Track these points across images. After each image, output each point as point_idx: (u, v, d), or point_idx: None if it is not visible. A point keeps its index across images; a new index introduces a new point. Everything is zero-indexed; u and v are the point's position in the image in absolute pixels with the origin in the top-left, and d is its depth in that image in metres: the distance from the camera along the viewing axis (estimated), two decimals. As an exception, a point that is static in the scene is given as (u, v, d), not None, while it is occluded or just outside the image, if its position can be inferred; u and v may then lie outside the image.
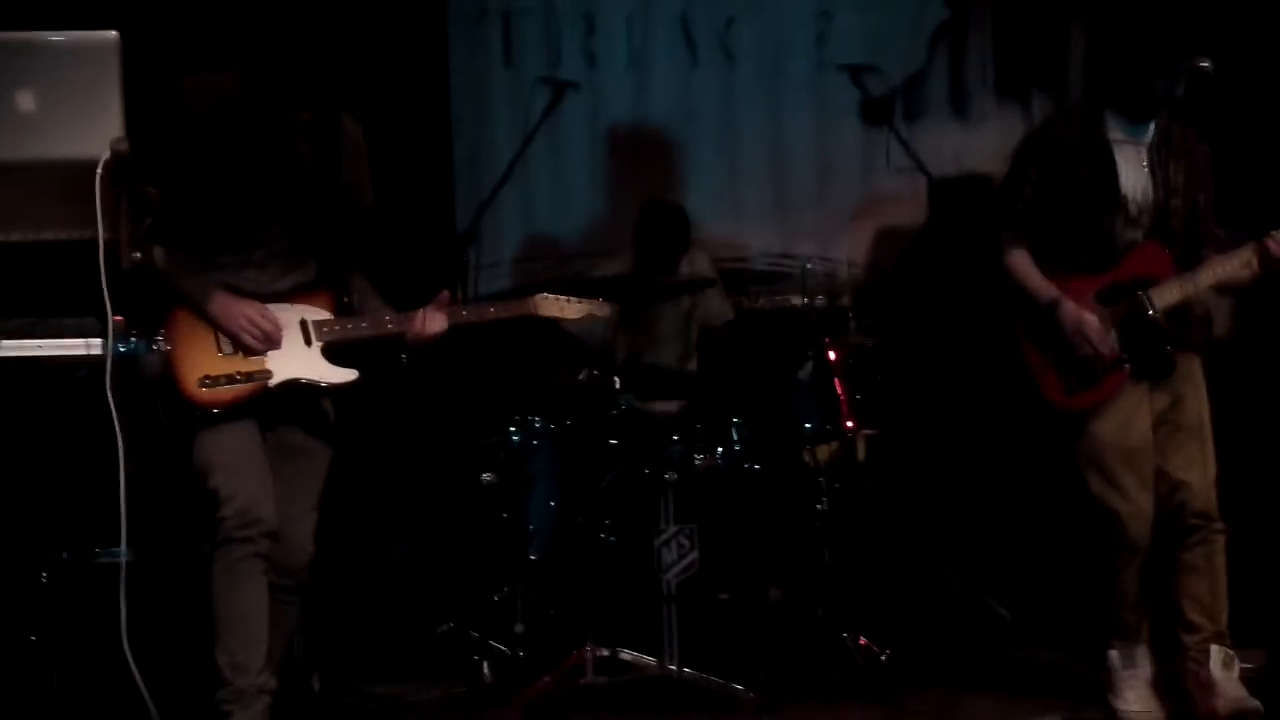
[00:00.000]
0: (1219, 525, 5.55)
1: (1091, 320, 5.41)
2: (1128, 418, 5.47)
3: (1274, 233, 5.34)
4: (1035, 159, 5.58)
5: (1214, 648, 5.52)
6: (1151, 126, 5.51)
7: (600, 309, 5.37)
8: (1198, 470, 5.53)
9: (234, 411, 4.78)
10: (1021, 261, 5.54)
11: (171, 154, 4.75)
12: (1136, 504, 5.45)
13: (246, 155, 4.83)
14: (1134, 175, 5.48)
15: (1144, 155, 5.50)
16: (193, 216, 4.81)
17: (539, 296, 5.23)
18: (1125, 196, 5.46)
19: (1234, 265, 5.40)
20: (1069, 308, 5.42)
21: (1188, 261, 5.47)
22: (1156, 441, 5.52)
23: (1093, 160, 5.48)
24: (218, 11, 6.71)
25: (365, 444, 6.16)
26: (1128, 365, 5.43)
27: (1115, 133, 5.50)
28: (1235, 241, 5.46)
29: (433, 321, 4.97)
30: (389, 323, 4.99)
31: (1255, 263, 5.37)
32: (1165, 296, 5.41)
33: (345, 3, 4.96)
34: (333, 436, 5.08)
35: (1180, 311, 5.46)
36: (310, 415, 5.02)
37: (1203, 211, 5.56)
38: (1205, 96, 5.55)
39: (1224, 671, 5.50)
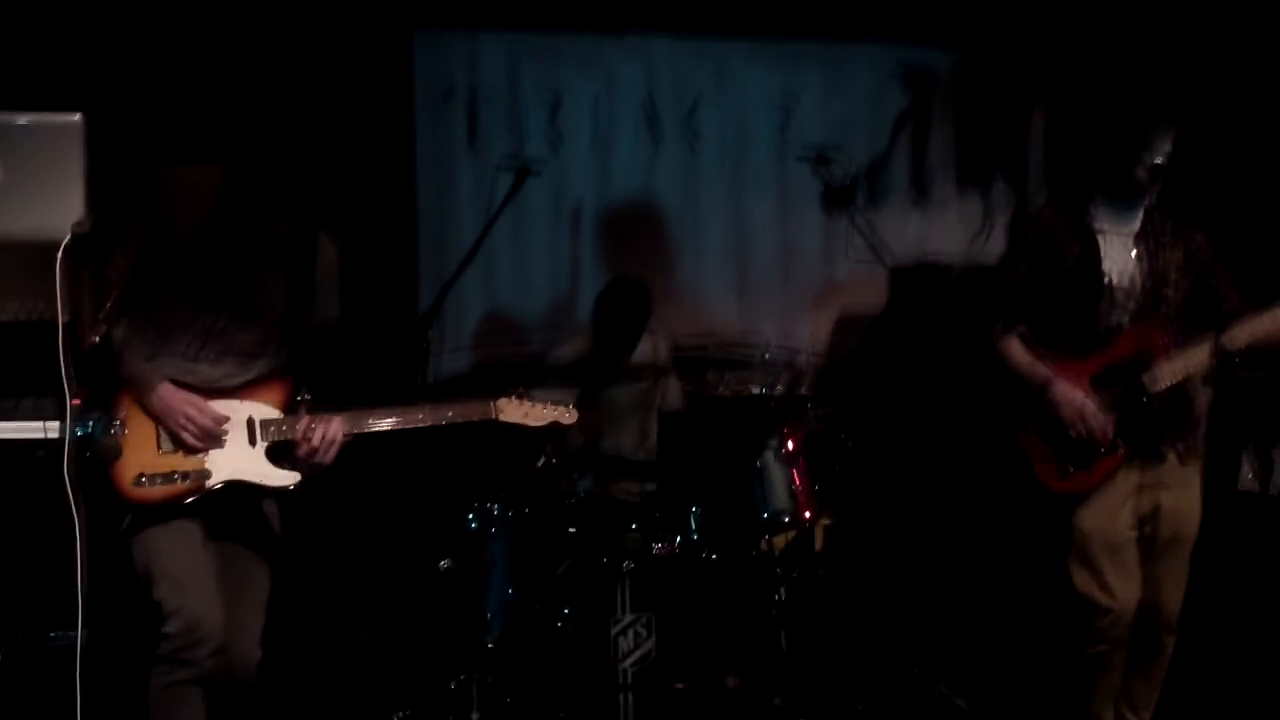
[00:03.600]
0: (1175, 633, 5.67)
1: (1084, 399, 5.44)
2: (1114, 511, 5.52)
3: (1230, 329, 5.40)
4: (1024, 247, 5.64)
5: None
6: (1139, 213, 5.56)
7: (567, 417, 5.28)
8: (1173, 587, 5.63)
9: (170, 511, 4.68)
10: (1013, 347, 5.60)
11: (142, 239, 4.71)
12: (1120, 600, 5.50)
13: (220, 255, 4.79)
14: (1120, 261, 5.54)
15: (1131, 242, 5.56)
16: (153, 304, 4.76)
17: (502, 400, 5.13)
18: (1110, 283, 5.51)
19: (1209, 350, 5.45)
20: (1061, 387, 5.47)
21: (1181, 347, 5.51)
22: (1137, 542, 5.58)
23: (1078, 247, 5.54)
24: (184, 96, 6.75)
25: (322, 528, 6.13)
26: (1122, 449, 5.46)
27: (1101, 220, 5.58)
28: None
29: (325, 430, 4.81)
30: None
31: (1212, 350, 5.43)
32: (1161, 379, 5.45)
33: (311, 85, 4.94)
34: (275, 545, 4.99)
35: (1175, 395, 5.50)
36: (252, 522, 4.92)
37: (1221, 292, 5.60)
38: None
39: None
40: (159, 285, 4.75)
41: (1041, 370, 5.53)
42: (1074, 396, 5.46)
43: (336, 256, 5.08)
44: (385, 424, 4.94)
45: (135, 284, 4.71)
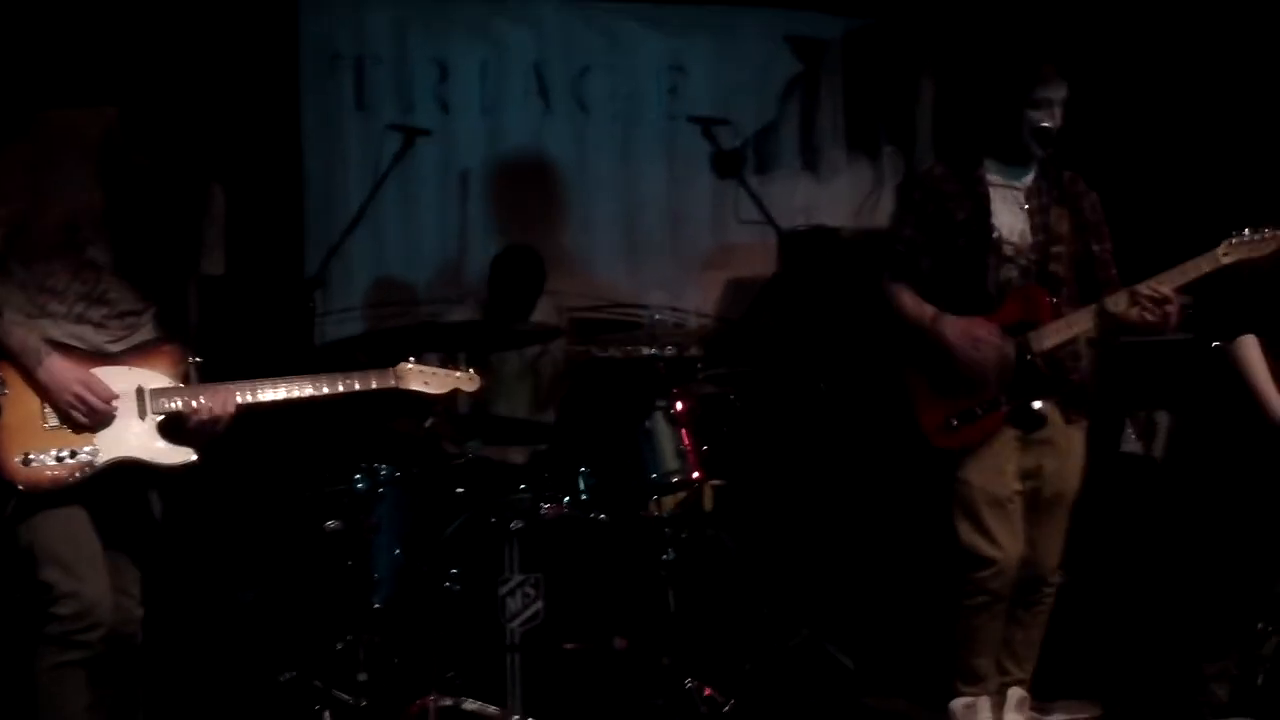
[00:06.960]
0: (1054, 585, 5.73)
1: (972, 323, 5.49)
2: (999, 465, 5.56)
3: (1109, 297, 5.46)
4: (914, 203, 5.70)
5: (1012, 689, 5.74)
6: (1031, 171, 5.61)
7: (469, 383, 5.26)
8: (1053, 542, 5.70)
9: (57, 494, 4.45)
10: (902, 294, 5.62)
11: (17, 198, 4.48)
12: (1005, 553, 5.54)
13: (101, 208, 4.56)
14: (1010, 217, 5.58)
15: (1022, 198, 5.60)
16: (30, 261, 4.53)
17: (402, 367, 5.04)
18: (999, 236, 5.55)
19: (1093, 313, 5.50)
20: (949, 320, 5.49)
21: (1072, 307, 5.56)
22: (1021, 496, 5.63)
23: (968, 203, 5.58)
24: (66, 44, 6.65)
25: (208, 488, 6.08)
26: (1004, 406, 5.51)
27: (993, 177, 5.61)
28: None
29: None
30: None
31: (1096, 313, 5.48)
32: (1045, 340, 5.49)
33: (195, 45, 4.86)
34: (154, 523, 4.81)
35: (1056, 358, 5.54)
36: (134, 497, 4.72)
37: (1100, 260, 5.65)
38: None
39: (1015, 714, 5.73)
40: (36, 241, 4.51)
41: (928, 309, 5.57)
42: (963, 325, 5.49)
43: (224, 205, 4.90)
44: (281, 394, 4.79)
45: (9, 241, 4.49)
